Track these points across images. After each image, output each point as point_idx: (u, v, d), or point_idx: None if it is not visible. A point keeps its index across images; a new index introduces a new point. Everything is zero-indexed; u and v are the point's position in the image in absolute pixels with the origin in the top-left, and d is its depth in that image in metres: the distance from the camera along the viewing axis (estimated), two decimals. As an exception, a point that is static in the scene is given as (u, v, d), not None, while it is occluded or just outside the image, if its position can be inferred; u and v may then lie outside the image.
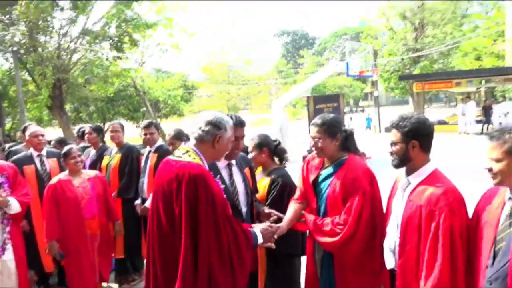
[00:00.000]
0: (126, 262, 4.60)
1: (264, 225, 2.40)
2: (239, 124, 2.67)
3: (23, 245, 3.50)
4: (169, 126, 16.36)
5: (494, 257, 1.80)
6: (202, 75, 38.83)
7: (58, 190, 3.63)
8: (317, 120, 2.60)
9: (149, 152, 4.41)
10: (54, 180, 3.73)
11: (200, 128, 2.22)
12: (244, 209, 2.69)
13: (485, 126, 17.98)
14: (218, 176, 2.54)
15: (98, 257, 3.84)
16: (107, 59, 17.51)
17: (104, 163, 4.58)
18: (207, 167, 2.19)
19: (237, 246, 2.09)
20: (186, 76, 30.74)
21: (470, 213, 2.05)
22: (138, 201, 4.39)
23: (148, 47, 19.30)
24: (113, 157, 4.54)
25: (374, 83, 25.66)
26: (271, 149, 3.17)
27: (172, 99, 24.69)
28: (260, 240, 2.27)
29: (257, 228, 2.32)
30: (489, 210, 1.90)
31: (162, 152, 4.08)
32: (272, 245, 2.39)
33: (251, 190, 2.85)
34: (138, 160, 4.54)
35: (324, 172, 2.65)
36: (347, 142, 2.64)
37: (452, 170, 2.50)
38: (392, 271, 2.34)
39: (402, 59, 24.08)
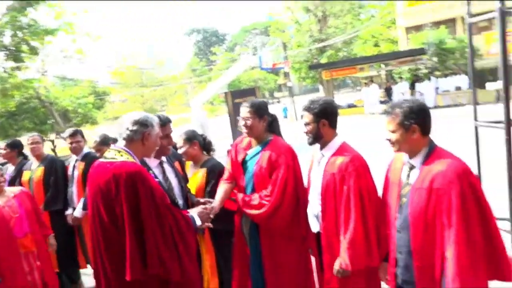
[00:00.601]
0: (61, 276, 4.46)
1: (199, 208, 2.58)
2: (167, 121, 2.86)
3: None
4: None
5: (401, 211, 2.16)
6: (112, 80, 37.22)
7: None
8: (247, 102, 2.89)
9: (76, 160, 4.33)
10: None
11: (127, 129, 2.32)
12: (180, 201, 2.84)
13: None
14: (151, 172, 2.68)
15: (40, 274, 3.66)
16: (4, 71, 16.13)
17: (25, 177, 4.36)
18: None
19: (180, 230, 2.26)
20: (95, 82, 29.27)
21: (377, 180, 2.44)
22: (69, 211, 4.29)
23: (49, 54, 18.10)
24: (35, 170, 4.36)
25: (286, 75, 26.72)
26: (200, 142, 3.37)
27: (82, 108, 23.34)
28: (198, 222, 2.46)
29: (194, 212, 2.51)
30: (393, 172, 2.28)
31: (90, 159, 4.01)
32: (210, 225, 2.61)
33: (184, 182, 3.02)
34: (64, 170, 4.41)
35: (251, 152, 2.95)
36: (273, 125, 3.00)
37: (363, 147, 2.90)
38: (317, 234, 2.69)
39: (310, 49, 25.47)
